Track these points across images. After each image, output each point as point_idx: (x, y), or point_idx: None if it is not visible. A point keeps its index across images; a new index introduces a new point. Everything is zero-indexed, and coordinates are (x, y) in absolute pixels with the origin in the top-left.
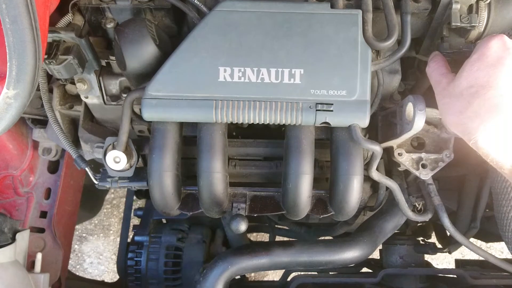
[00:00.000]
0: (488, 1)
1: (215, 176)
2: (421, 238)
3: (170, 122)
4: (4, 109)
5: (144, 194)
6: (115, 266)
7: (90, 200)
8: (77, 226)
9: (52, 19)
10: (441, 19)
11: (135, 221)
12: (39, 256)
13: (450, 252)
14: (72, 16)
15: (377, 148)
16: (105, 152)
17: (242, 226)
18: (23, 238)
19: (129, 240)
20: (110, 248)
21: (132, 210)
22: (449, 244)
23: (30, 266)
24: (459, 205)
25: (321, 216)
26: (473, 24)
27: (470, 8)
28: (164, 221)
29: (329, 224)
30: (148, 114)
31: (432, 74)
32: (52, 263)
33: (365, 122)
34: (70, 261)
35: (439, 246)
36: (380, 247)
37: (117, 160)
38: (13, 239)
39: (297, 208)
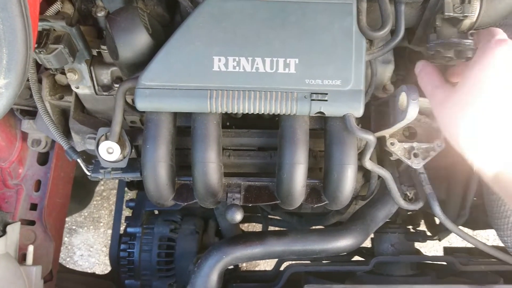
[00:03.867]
0: None
1: (210, 166)
2: (411, 226)
3: (164, 112)
4: None
5: (136, 185)
6: (106, 258)
7: (80, 192)
8: (66, 219)
9: (41, 7)
10: (434, 8)
11: (126, 213)
12: (30, 248)
13: (440, 240)
14: (61, 5)
15: (371, 138)
16: (98, 143)
17: (238, 216)
18: (14, 230)
19: (121, 232)
20: (100, 240)
21: (124, 202)
22: (439, 232)
23: (21, 259)
24: (448, 193)
25: (315, 205)
26: (465, 14)
27: None
28: (156, 212)
29: (321, 213)
30: (142, 104)
31: (426, 87)
32: (43, 256)
33: (359, 111)
34: (60, 254)
35: (429, 235)
36: (372, 235)
37: (110, 151)
38: (4, 232)
39: (292, 198)
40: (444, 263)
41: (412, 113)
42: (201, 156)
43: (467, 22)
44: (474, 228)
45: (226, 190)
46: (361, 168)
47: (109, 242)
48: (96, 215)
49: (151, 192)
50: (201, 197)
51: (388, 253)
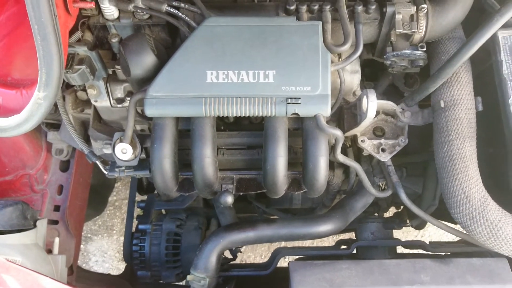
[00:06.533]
0: (425, 11)
1: (206, 161)
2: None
3: (167, 117)
4: (35, 108)
5: (145, 190)
6: (119, 263)
7: (96, 200)
8: None
9: None
10: (388, 26)
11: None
12: (56, 240)
13: (412, 226)
14: (82, 33)
15: (338, 133)
16: (114, 145)
17: (229, 199)
18: (42, 225)
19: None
20: (113, 247)
21: (135, 204)
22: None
23: (47, 252)
24: (423, 187)
25: (296, 192)
26: (413, 30)
27: (411, 17)
28: (164, 211)
29: (310, 208)
30: (150, 111)
31: None
32: (66, 251)
33: (327, 111)
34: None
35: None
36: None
37: (124, 152)
38: (34, 225)
39: (275, 186)
40: (419, 250)
41: (371, 112)
42: (199, 153)
43: (417, 37)
44: (448, 221)
45: (221, 182)
46: (341, 165)
47: (122, 248)
48: (110, 223)
49: (158, 184)
50: (200, 188)
51: (368, 240)
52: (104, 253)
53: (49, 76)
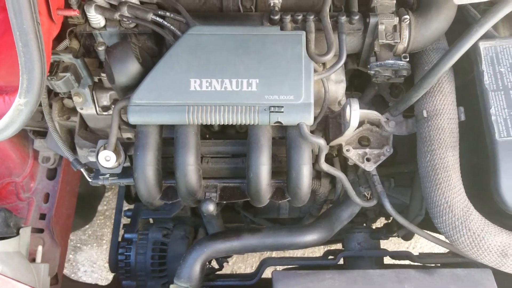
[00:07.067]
0: (408, 22)
1: (189, 168)
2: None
3: (151, 125)
4: (16, 114)
5: (134, 199)
6: (108, 273)
7: (84, 209)
8: (71, 237)
9: (53, 43)
10: (372, 37)
11: (124, 221)
12: (39, 248)
13: (399, 236)
14: (69, 42)
15: (321, 142)
16: (98, 152)
17: (210, 207)
18: (26, 233)
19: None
20: (103, 257)
21: (122, 212)
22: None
23: (31, 261)
24: (411, 198)
25: (280, 201)
26: (396, 41)
27: (394, 27)
28: (151, 221)
29: (298, 218)
30: (133, 119)
31: None
32: (50, 260)
33: (310, 120)
34: (65, 270)
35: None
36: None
37: (107, 159)
38: (17, 233)
39: (259, 194)
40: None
41: (354, 121)
42: (182, 160)
43: (400, 47)
44: (437, 231)
45: (204, 190)
46: (328, 175)
47: None
48: (99, 233)
49: (141, 191)
50: (183, 196)
51: (355, 250)
52: (93, 263)
53: (31, 82)
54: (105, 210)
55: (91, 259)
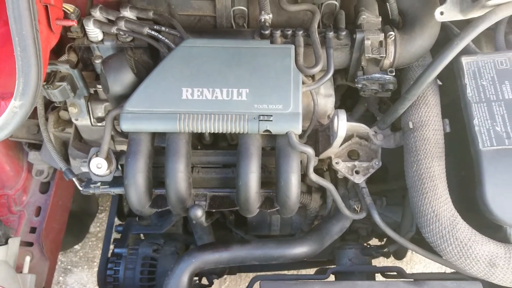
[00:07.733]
0: (393, 38)
1: (179, 175)
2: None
3: (143, 133)
4: (11, 116)
5: (125, 216)
6: None
7: (76, 226)
8: (62, 258)
9: (52, 56)
10: (359, 52)
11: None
12: (27, 258)
13: (389, 251)
14: (67, 55)
15: (309, 150)
16: (90, 159)
17: (199, 213)
18: (14, 243)
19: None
20: (93, 280)
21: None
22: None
23: (18, 273)
24: (402, 215)
25: (269, 210)
26: (382, 55)
27: (380, 43)
28: (142, 236)
29: (289, 235)
30: (125, 126)
31: None
32: (39, 273)
33: (298, 129)
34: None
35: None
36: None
37: (99, 166)
38: (6, 243)
39: (247, 203)
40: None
41: (341, 131)
42: (172, 167)
43: (386, 62)
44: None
45: (194, 199)
46: (319, 190)
47: None
48: (91, 255)
49: (131, 198)
50: (172, 203)
51: (346, 266)
52: (83, 286)
53: (26, 85)
54: (98, 231)
55: (81, 281)
